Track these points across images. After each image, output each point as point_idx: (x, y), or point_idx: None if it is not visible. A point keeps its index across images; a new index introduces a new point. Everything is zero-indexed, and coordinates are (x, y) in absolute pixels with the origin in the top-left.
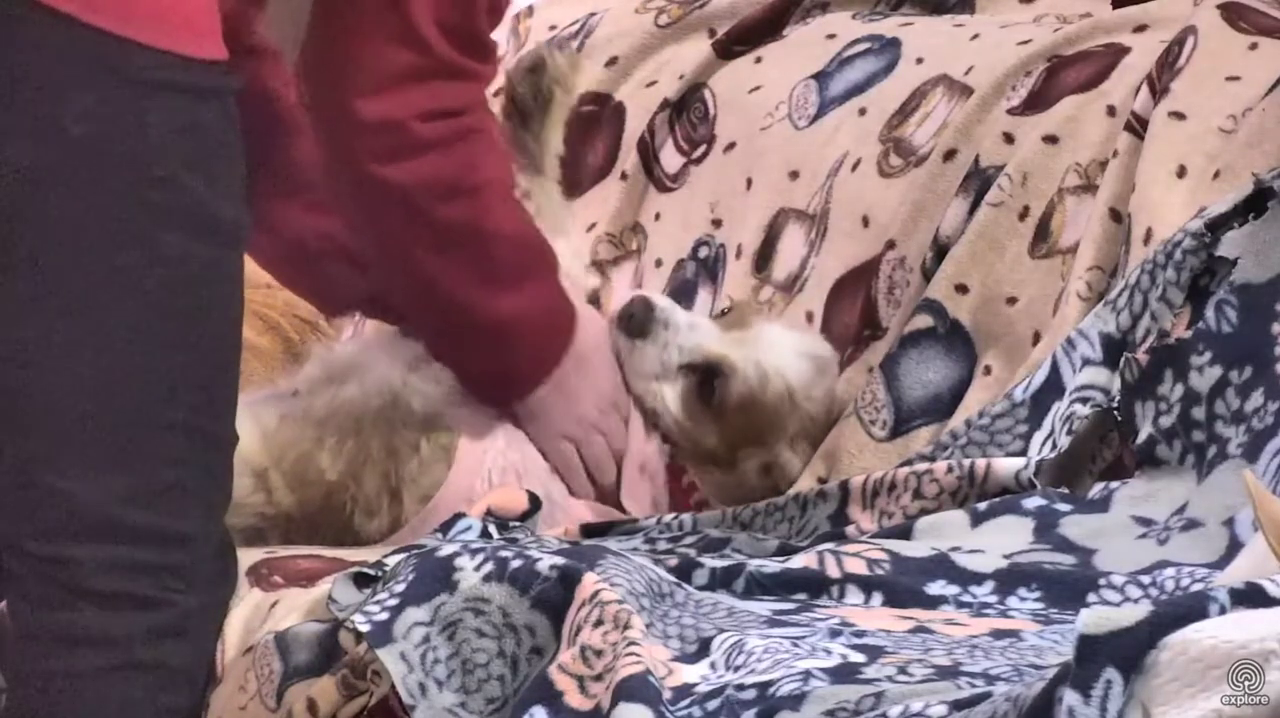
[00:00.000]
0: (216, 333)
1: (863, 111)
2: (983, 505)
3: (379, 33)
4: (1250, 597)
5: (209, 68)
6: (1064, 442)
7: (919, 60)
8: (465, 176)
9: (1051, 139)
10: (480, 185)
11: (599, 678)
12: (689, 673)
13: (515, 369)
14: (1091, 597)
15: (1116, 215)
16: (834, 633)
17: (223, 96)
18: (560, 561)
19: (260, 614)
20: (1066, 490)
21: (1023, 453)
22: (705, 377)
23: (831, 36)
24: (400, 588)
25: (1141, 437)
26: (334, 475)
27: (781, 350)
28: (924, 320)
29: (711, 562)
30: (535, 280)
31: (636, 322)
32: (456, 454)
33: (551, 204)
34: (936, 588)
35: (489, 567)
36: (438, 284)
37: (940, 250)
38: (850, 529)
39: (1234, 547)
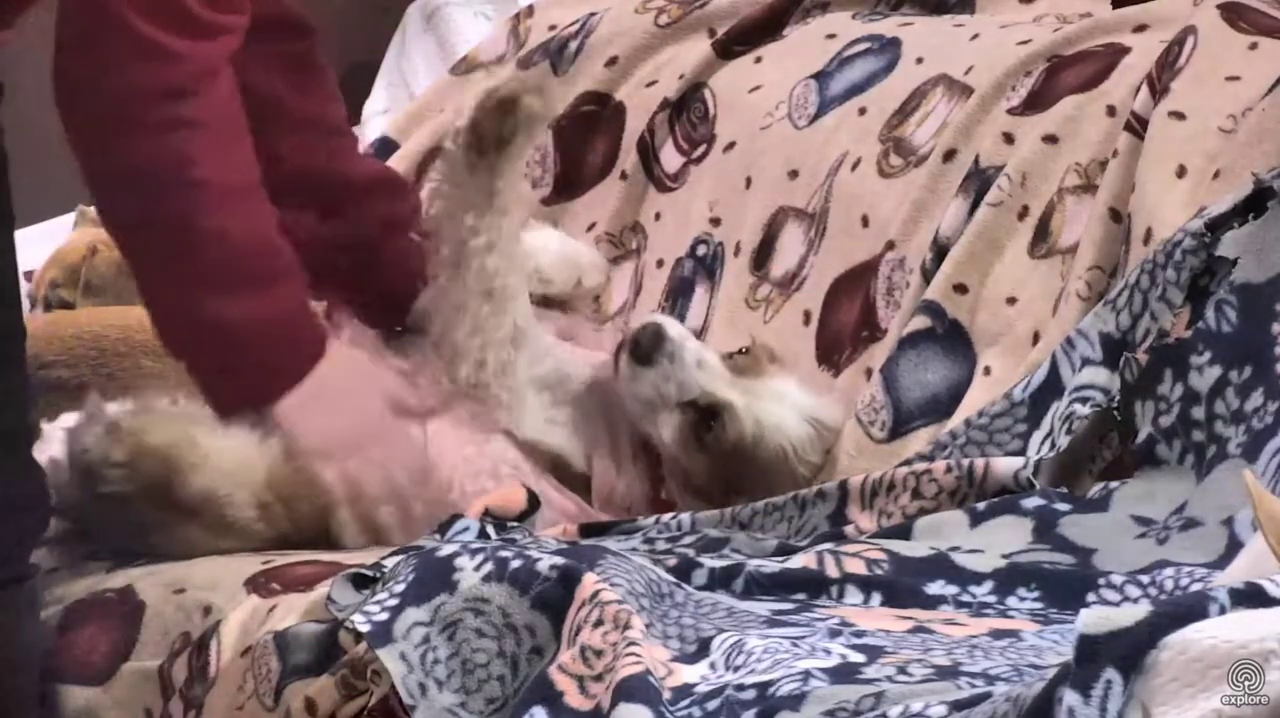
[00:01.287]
0: None
1: (863, 111)
2: (982, 505)
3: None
4: (1250, 597)
5: None
6: (1063, 441)
7: (919, 60)
8: (180, 170)
9: (1051, 139)
10: (197, 182)
11: (599, 678)
12: (689, 673)
13: (240, 376)
14: (1091, 597)
15: (1116, 215)
16: (833, 633)
17: None
18: (560, 561)
19: (259, 617)
20: (1066, 490)
21: (1021, 453)
22: (704, 416)
23: (831, 36)
24: (400, 588)
25: (1141, 436)
26: (337, 496)
27: (787, 409)
28: (923, 321)
29: (710, 562)
30: (263, 292)
31: (643, 349)
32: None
33: (505, 241)
34: (936, 588)
35: (489, 567)
36: (150, 276)
37: (940, 251)
38: (849, 529)
39: (1233, 546)
